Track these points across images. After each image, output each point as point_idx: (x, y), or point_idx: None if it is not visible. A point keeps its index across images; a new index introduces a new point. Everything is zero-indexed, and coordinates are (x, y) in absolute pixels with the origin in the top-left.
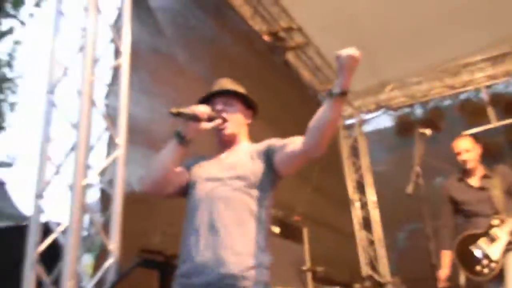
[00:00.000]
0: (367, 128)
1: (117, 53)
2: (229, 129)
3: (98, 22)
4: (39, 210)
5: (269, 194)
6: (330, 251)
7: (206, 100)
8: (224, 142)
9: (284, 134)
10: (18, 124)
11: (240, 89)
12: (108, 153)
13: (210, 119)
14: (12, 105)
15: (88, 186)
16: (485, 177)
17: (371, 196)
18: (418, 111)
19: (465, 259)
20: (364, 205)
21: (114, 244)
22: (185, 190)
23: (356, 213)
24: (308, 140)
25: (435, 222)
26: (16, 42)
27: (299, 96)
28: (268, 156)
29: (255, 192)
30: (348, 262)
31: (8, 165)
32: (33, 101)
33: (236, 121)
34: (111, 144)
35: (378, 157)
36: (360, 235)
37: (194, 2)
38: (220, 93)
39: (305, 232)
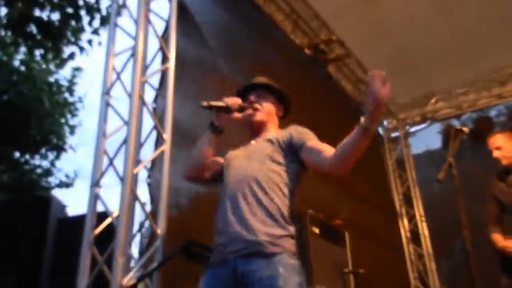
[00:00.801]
0: (417, 150)
1: (165, 58)
2: (258, 116)
3: (148, 32)
4: (95, 197)
5: (296, 173)
6: (375, 261)
7: (242, 93)
8: (254, 129)
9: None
10: (78, 145)
11: (274, 84)
12: (156, 149)
13: (241, 109)
14: (72, 128)
15: (137, 175)
16: None
17: (419, 209)
18: (466, 122)
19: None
20: (412, 218)
21: (161, 229)
22: (220, 178)
23: (404, 226)
24: (334, 160)
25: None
26: (76, 69)
27: (342, 108)
28: (293, 147)
29: (281, 170)
30: (396, 274)
31: (68, 185)
32: (92, 123)
33: (266, 111)
34: (159, 141)
35: (430, 178)
36: (408, 248)
37: (236, 18)
38: (254, 87)
39: (347, 235)
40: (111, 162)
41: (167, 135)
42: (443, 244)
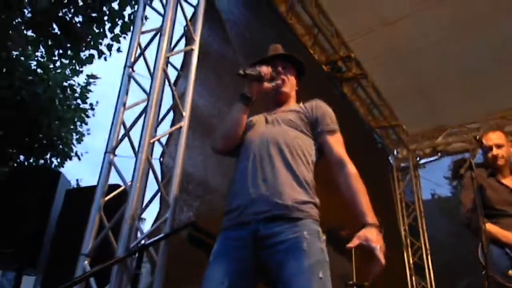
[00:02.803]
0: (428, 196)
1: (189, 41)
2: (286, 87)
3: (176, 13)
4: (109, 164)
5: (316, 148)
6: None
7: (263, 62)
8: (278, 100)
9: None
10: (83, 156)
11: (297, 56)
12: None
13: (271, 79)
14: (80, 135)
15: (153, 147)
16: None
17: (425, 241)
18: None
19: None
20: (417, 251)
21: (171, 202)
22: None
23: (408, 257)
24: (333, 168)
25: None
26: (91, 76)
27: (355, 129)
28: (316, 128)
29: (306, 139)
30: None
31: None
32: (102, 127)
33: (291, 83)
34: (177, 118)
35: (438, 224)
36: (411, 280)
37: (260, 23)
38: (279, 57)
39: (353, 250)
40: (127, 133)
41: (186, 113)
42: (446, 282)
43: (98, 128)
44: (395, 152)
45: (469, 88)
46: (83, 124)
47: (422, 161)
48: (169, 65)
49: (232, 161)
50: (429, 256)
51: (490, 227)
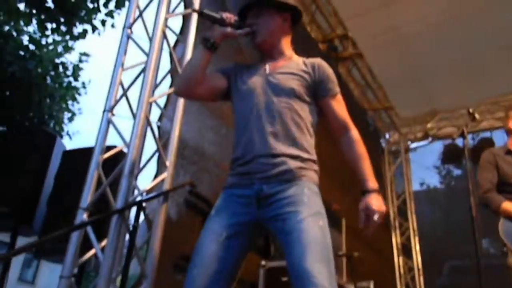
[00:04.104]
0: (417, 187)
1: (188, 4)
2: (259, 36)
3: None
4: (107, 122)
5: (317, 115)
6: (368, 268)
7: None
8: (263, 51)
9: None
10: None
11: None
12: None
13: (238, 26)
14: (71, 114)
15: (151, 107)
16: None
17: (413, 223)
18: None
19: None
20: (405, 232)
21: (169, 162)
22: (221, 94)
23: (396, 238)
24: (336, 132)
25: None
26: (83, 54)
27: (348, 109)
28: (317, 88)
29: (306, 108)
30: (386, 284)
31: None
32: (93, 111)
33: (267, 29)
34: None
35: (426, 213)
36: (398, 260)
37: None
38: (250, 8)
39: (344, 222)
40: (125, 93)
41: None
42: (432, 264)
43: (89, 111)
44: (386, 136)
45: (462, 74)
46: (75, 103)
47: (413, 145)
48: (167, 29)
49: (226, 131)
50: (416, 238)
51: (506, 205)
